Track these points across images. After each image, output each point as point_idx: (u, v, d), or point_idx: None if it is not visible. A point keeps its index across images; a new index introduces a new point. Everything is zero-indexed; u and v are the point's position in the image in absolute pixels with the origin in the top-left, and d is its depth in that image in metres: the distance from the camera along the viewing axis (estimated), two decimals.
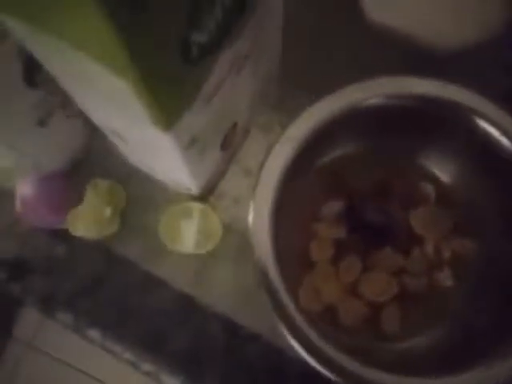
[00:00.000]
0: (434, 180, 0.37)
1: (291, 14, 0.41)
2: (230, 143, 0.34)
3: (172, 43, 0.20)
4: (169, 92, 0.22)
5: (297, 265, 0.36)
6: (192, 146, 0.27)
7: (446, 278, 0.35)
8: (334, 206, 0.37)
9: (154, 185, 0.38)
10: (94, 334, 0.37)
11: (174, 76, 0.22)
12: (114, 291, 0.38)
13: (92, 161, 0.40)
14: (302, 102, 0.33)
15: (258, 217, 0.31)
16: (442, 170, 0.37)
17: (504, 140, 0.31)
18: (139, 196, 0.39)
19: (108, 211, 0.36)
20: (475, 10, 0.35)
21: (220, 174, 0.38)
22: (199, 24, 0.21)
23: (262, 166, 0.32)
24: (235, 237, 0.37)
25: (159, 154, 0.29)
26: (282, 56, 0.38)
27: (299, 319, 0.30)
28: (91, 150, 0.40)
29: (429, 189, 0.37)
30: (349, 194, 0.37)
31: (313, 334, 0.30)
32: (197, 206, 0.36)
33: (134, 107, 0.22)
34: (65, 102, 0.34)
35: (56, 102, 0.33)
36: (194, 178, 0.32)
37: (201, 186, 0.34)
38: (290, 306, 0.30)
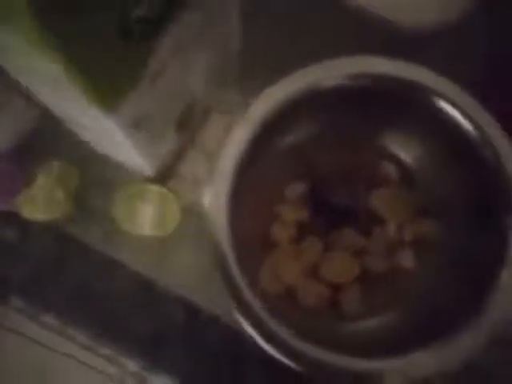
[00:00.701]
0: (398, 161, 0.36)
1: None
2: (187, 124, 0.33)
3: (109, 21, 0.19)
4: (109, 72, 0.21)
5: (258, 247, 0.36)
6: (139, 127, 0.26)
7: (407, 260, 0.35)
8: (297, 188, 0.37)
9: (110, 166, 0.36)
10: (50, 319, 0.36)
11: (114, 55, 0.21)
12: (70, 275, 0.36)
13: (45, 141, 0.38)
14: (266, 83, 0.32)
15: (215, 200, 0.30)
16: (406, 152, 0.36)
17: (465, 123, 0.31)
18: (95, 177, 0.37)
19: (60, 193, 0.34)
20: None
21: (178, 156, 0.37)
22: (139, 2, 0.20)
23: (220, 148, 0.31)
24: (195, 219, 0.36)
25: (107, 135, 0.28)
26: (246, 35, 0.36)
27: (255, 304, 0.29)
28: (44, 131, 0.38)
29: (392, 170, 0.36)
30: (312, 176, 0.36)
31: (268, 319, 0.29)
32: (154, 188, 0.35)
33: (72, 89, 0.21)
34: (9, 82, 0.32)
35: None
36: (147, 160, 0.31)
37: (156, 167, 0.33)
38: (246, 291, 0.29)
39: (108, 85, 0.21)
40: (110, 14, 0.18)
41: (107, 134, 0.27)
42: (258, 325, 0.29)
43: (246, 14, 0.33)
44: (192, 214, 0.37)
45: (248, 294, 0.30)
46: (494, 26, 0.38)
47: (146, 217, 0.35)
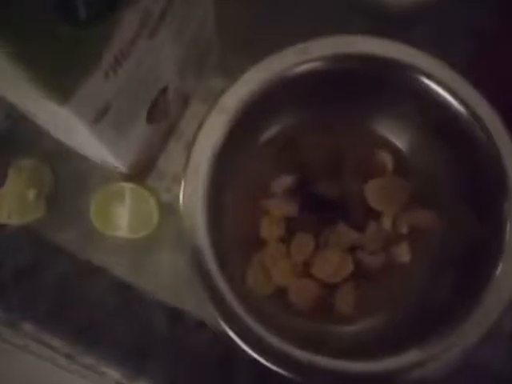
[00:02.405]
0: (390, 147, 0.34)
1: None
2: (161, 115, 0.31)
3: (47, 2, 0.17)
4: (56, 60, 0.19)
5: (245, 244, 0.33)
6: (101, 118, 0.24)
7: (403, 254, 0.33)
8: (285, 181, 0.34)
9: (84, 164, 0.34)
10: (27, 327, 0.34)
11: (60, 42, 0.18)
12: (46, 281, 0.34)
13: (15, 140, 0.36)
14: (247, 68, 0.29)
15: (190, 197, 0.28)
16: (398, 137, 0.34)
17: (454, 102, 0.29)
18: (69, 177, 0.35)
19: (31, 194, 0.32)
20: None
21: (156, 150, 0.34)
22: None
23: (192, 141, 0.29)
24: (176, 219, 0.34)
25: (71, 130, 0.26)
26: (225, 19, 0.33)
27: (238, 309, 0.27)
28: (14, 128, 0.36)
29: (385, 157, 0.34)
30: (299, 168, 0.34)
31: (254, 324, 0.27)
32: (130, 187, 0.33)
33: (18, 79, 0.19)
34: None
35: None
36: (117, 155, 0.28)
37: (130, 163, 0.31)
38: (227, 293, 0.27)
39: (58, 72, 0.19)
40: None
41: (72, 128, 0.25)
42: (242, 332, 0.27)
43: None
44: (172, 212, 0.34)
45: (230, 299, 0.28)
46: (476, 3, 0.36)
47: (122, 217, 0.33)
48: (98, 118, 0.23)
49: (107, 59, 0.21)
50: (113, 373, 0.34)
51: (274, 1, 0.37)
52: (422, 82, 0.29)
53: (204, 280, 0.28)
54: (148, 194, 0.33)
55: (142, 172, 0.34)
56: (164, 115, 0.32)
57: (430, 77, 0.29)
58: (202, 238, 0.28)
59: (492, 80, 0.34)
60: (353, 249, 0.33)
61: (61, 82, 0.20)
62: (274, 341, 0.27)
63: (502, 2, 0.36)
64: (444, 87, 0.29)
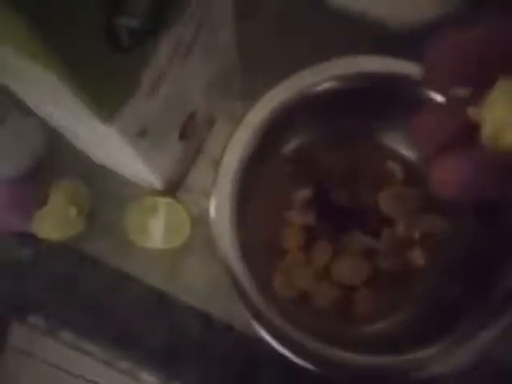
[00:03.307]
0: (400, 159, 0.37)
1: (250, 1, 0.41)
2: (191, 134, 0.34)
3: (96, 30, 0.20)
4: (102, 82, 0.22)
5: (269, 253, 0.36)
6: (142, 137, 0.27)
7: (417, 258, 0.35)
8: (304, 193, 0.37)
9: (119, 181, 0.37)
10: (67, 335, 0.36)
11: (106, 65, 0.21)
12: (85, 291, 0.37)
13: (55, 160, 0.39)
14: (267, 89, 0.33)
15: (219, 208, 0.31)
16: (407, 148, 0.36)
17: None
18: (105, 193, 0.38)
19: (73, 211, 0.35)
20: None
21: (185, 167, 0.37)
22: (126, 8, 0.21)
23: (221, 156, 0.32)
24: (206, 230, 0.37)
25: (111, 148, 0.29)
26: (244, 43, 0.37)
27: (267, 310, 0.30)
28: (54, 150, 0.39)
29: (395, 168, 0.36)
30: (316, 180, 0.37)
31: (283, 323, 0.29)
32: (162, 201, 0.36)
33: (69, 100, 0.22)
34: (20, 101, 0.33)
35: (10, 101, 0.33)
36: (154, 172, 0.31)
37: (164, 179, 0.34)
38: (256, 296, 0.30)
39: (104, 92, 0.22)
40: (95, 23, 0.19)
41: (113, 147, 0.28)
42: (273, 330, 0.29)
43: (239, 19, 0.34)
44: (202, 224, 0.37)
45: (259, 302, 0.30)
46: (479, 21, 0.39)
47: (156, 229, 0.36)
48: (139, 134, 0.26)
49: (146, 81, 0.24)
50: (148, 377, 0.36)
51: (288, 28, 0.41)
52: (427, 95, 0.32)
53: (235, 285, 0.30)
54: (180, 206, 0.36)
55: (173, 187, 0.37)
56: (193, 134, 0.35)
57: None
58: (231, 247, 0.31)
59: None
60: (370, 254, 0.35)
61: (106, 101, 0.23)
62: (300, 338, 0.29)
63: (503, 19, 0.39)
64: None
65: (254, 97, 0.33)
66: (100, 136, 0.26)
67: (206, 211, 0.37)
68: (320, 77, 0.33)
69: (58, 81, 0.20)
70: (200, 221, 0.37)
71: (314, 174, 0.37)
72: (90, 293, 0.37)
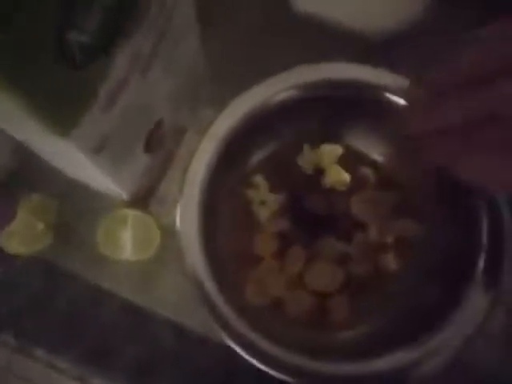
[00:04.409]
0: (372, 163, 0.37)
1: (216, 10, 0.40)
2: (158, 145, 0.33)
3: (47, 46, 0.19)
4: (56, 99, 0.21)
5: (241, 262, 0.36)
6: (102, 150, 0.26)
7: (390, 262, 0.35)
8: (275, 200, 0.37)
9: (90, 194, 0.37)
10: (39, 352, 0.36)
11: (60, 82, 0.21)
12: (57, 306, 0.36)
13: (24, 174, 0.38)
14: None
15: (186, 218, 0.31)
16: (378, 153, 0.36)
17: None
18: (76, 206, 0.38)
19: (40, 226, 0.35)
20: None
21: (155, 178, 0.37)
22: (76, 24, 0.20)
23: (188, 165, 0.31)
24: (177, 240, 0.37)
25: (74, 162, 0.28)
26: (213, 52, 0.37)
27: (236, 320, 0.29)
28: (22, 164, 0.39)
29: (367, 172, 0.36)
30: (288, 186, 0.37)
31: (252, 333, 0.29)
32: (132, 213, 0.35)
33: (24, 118, 0.21)
34: None
35: None
36: (119, 184, 0.31)
37: (130, 191, 0.33)
38: (225, 307, 0.29)
39: (59, 109, 0.22)
40: (45, 40, 0.19)
41: (75, 160, 0.27)
42: (243, 342, 0.29)
43: (207, 27, 0.33)
44: (174, 234, 0.37)
45: (228, 313, 0.30)
46: (452, 25, 0.39)
47: (127, 242, 0.35)
48: (98, 149, 0.26)
49: (103, 95, 0.24)
50: None
51: (258, 36, 0.41)
52: (394, 101, 0.32)
53: (203, 297, 0.30)
54: (149, 218, 0.35)
55: (143, 198, 0.36)
56: (160, 145, 0.34)
57: (403, 96, 0.32)
58: (198, 257, 0.30)
59: None
60: (344, 260, 0.35)
61: (62, 117, 0.22)
62: (272, 349, 0.29)
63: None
64: None
65: (225, 105, 0.33)
66: (61, 150, 0.26)
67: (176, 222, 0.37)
68: (287, 84, 0.33)
69: (8, 98, 0.19)
70: (171, 232, 0.37)
71: (285, 179, 0.37)
72: (62, 308, 0.36)
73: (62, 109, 0.22)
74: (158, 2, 0.25)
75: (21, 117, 0.21)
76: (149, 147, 0.32)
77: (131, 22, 0.24)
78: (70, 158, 0.27)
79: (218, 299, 0.30)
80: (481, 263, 0.30)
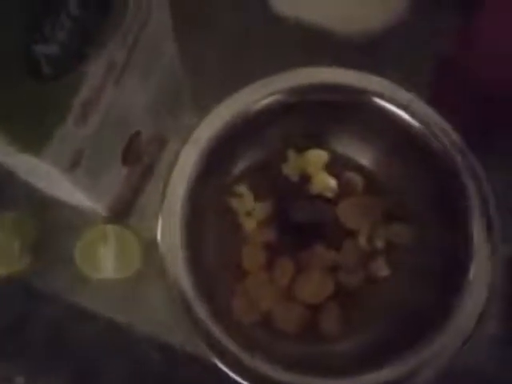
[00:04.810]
0: (359, 168, 0.36)
1: (194, 15, 0.39)
2: (136, 157, 0.32)
3: (14, 62, 0.18)
4: (27, 116, 0.20)
5: (227, 274, 0.34)
6: (77, 166, 0.25)
7: (380, 269, 0.34)
8: (262, 209, 0.36)
9: (66, 210, 0.35)
10: (20, 379, 0.34)
11: (31, 96, 0.20)
12: (38, 328, 0.35)
13: None
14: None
15: (168, 233, 0.29)
16: (366, 158, 0.36)
17: (413, 121, 0.31)
18: (53, 224, 0.36)
19: (17, 245, 0.33)
20: None
21: (135, 191, 0.36)
22: (42, 36, 0.19)
23: (167, 177, 0.30)
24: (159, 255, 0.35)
25: (49, 179, 0.27)
26: (192, 59, 0.36)
27: (223, 338, 0.28)
28: None
29: (354, 178, 0.35)
30: (273, 195, 0.36)
31: (239, 351, 0.28)
32: (111, 229, 0.34)
33: None
34: None
35: None
36: (96, 199, 0.30)
37: (108, 206, 0.32)
38: (211, 324, 0.28)
39: (30, 126, 0.21)
40: (11, 54, 0.18)
41: (50, 177, 0.26)
42: (230, 361, 0.28)
43: (184, 35, 0.32)
44: (155, 249, 0.35)
45: (215, 330, 0.28)
46: (431, 28, 0.39)
47: (107, 259, 0.34)
48: (72, 165, 0.25)
49: (76, 108, 0.23)
50: None
51: (241, 38, 0.40)
52: (380, 105, 0.31)
53: (187, 313, 0.28)
54: (129, 233, 0.34)
55: (122, 213, 0.35)
56: (139, 157, 0.33)
57: (389, 100, 0.31)
58: (183, 271, 0.29)
59: (448, 99, 0.37)
60: (334, 269, 0.34)
61: (33, 133, 0.21)
62: (263, 367, 0.28)
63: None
64: (401, 108, 0.31)
65: (207, 113, 0.32)
66: (35, 167, 0.25)
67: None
68: (270, 89, 0.32)
69: None
70: (153, 246, 0.35)
71: (270, 188, 0.35)
72: (43, 330, 0.35)
73: (33, 125, 0.21)
74: (132, 9, 0.24)
75: None
76: (126, 160, 0.31)
77: (104, 30, 0.23)
78: (45, 174, 0.26)
79: (204, 315, 0.28)
80: (471, 272, 0.29)
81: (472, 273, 0.29)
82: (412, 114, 0.30)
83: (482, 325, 0.29)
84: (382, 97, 0.31)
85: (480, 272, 0.29)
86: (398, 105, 0.31)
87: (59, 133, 0.22)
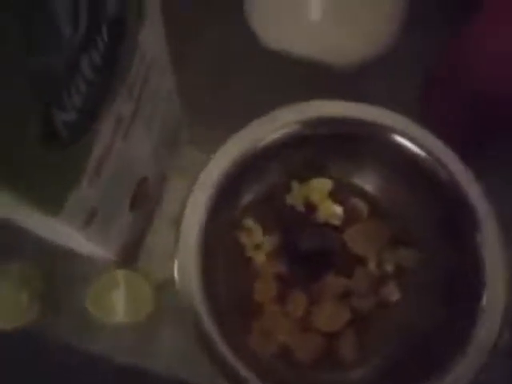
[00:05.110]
0: (363, 194, 0.36)
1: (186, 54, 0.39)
2: (143, 201, 0.32)
3: (31, 130, 0.18)
4: (44, 179, 0.20)
5: (242, 309, 0.34)
6: (91, 221, 0.25)
7: (391, 293, 0.34)
8: (271, 241, 0.36)
9: (75, 258, 0.34)
10: None
11: (47, 163, 0.19)
12: (49, 380, 0.34)
13: (3, 241, 0.36)
14: (216, 141, 0.31)
15: (184, 274, 0.29)
16: (370, 184, 0.36)
17: (417, 149, 0.31)
18: (61, 272, 0.35)
19: (24, 297, 0.33)
20: (366, 22, 0.34)
21: (141, 232, 0.35)
22: (61, 105, 0.19)
23: (179, 219, 0.30)
24: (170, 295, 0.35)
25: (61, 234, 0.26)
26: (189, 96, 0.35)
27: (246, 372, 0.28)
28: (2, 229, 0.36)
29: (359, 204, 0.36)
30: (282, 226, 0.36)
31: None
32: (121, 273, 0.34)
33: (7, 200, 0.20)
34: None
35: None
36: (106, 247, 0.29)
37: (116, 251, 0.31)
38: (233, 360, 0.28)
39: (46, 189, 0.20)
40: (28, 123, 0.18)
41: (62, 232, 0.26)
42: None
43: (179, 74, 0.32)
44: (167, 288, 0.35)
45: (237, 365, 0.28)
46: (421, 52, 0.39)
47: (119, 304, 0.33)
48: (87, 221, 0.24)
49: (90, 168, 0.23)
50: None
51: (232, 74, 0.41)
52: (385, 135, 0.32)
53: (209, 351, 0.28)
54: (139, 276, 0.34)
55: (131, 256, 0.35)
56: (145, 201, 0.33)
57: (392, 130, 0.32)
58: (202, 311, 0.29)
59: (438, 112, 0.37)
60: (347, 295, 0.34)
61: (51, 196, 0.21)
62: None
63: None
64: (404, 136, 0.32)
65: (205, 147, 0.32)
66: (47, 225, 0.24)
67: (171, 275, 0.35)
68: (274, 125, 0.32)
69: None
70: (166, 286, 0.35)
71: (278, 220, 0.36)
72: (55, 381, 0.34)
73: (50, 189, 0.20)
74: (137, 62, 0.24)
75: (8, 201, 0.20)
76: (134, 205, 0.30)
77: (113, 89, 0.22)
78: (57, 230, 0.25)
79: (226, 353, 0.28)
80: (484, 298, 0.29)
81: (485, 299, 0.29)
82: (415, 142, 0.31)
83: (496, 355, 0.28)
84: (392, 131, 0.31)
85: (494, 298, 0.29)
86: (403, 135, 0.31)
87: (75, 192, 0.22)
